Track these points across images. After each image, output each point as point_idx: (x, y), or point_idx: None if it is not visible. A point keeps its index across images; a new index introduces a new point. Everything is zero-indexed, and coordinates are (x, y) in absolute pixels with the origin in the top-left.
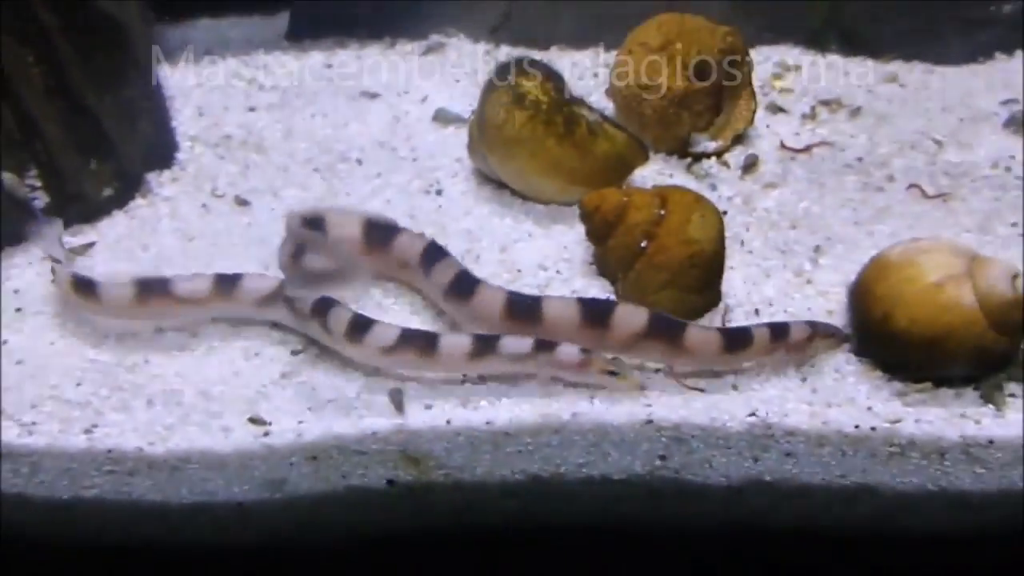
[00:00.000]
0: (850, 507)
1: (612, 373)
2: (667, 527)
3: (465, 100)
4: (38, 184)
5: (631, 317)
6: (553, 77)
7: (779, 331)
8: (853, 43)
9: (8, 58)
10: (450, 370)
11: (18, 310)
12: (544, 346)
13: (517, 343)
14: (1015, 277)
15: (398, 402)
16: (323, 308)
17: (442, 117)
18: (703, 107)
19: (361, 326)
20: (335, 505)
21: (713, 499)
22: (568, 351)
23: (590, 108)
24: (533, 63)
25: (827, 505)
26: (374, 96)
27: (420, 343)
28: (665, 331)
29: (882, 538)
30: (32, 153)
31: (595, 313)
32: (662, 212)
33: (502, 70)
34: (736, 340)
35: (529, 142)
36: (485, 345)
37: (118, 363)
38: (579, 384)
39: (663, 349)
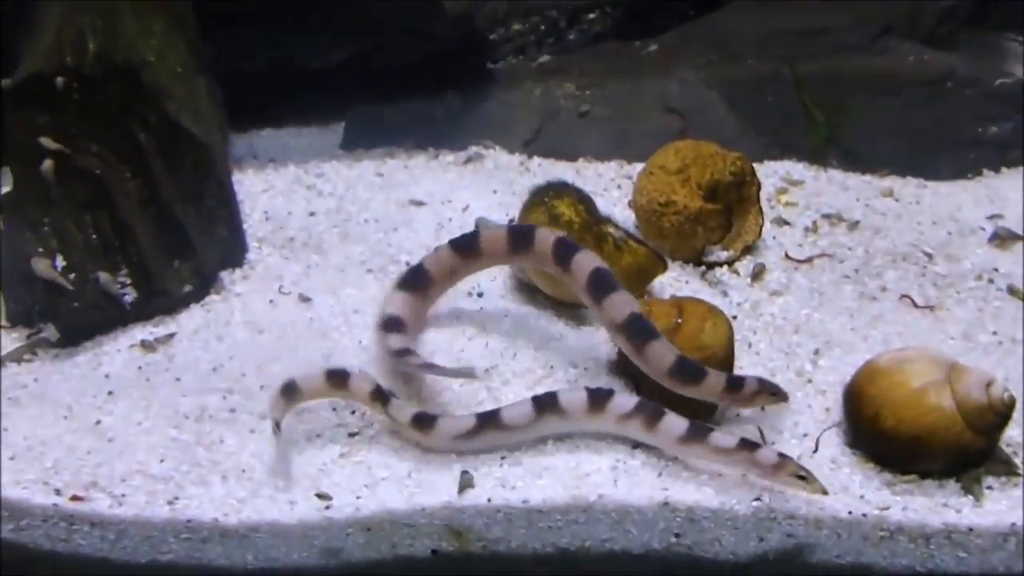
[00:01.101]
0: None
1: (801, 478)
2: None
3: (501, 209)
4: (128, 282)
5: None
6: (584, 199)
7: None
8: (852, 159)
9: (110, 174)
10: (663, 448)
11: (110, 393)
12: (747, 445)
13: (723, 439)
14: (988, 384)
15: (467, 482)
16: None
17: (482, 224)
18: (715, 224)
19: (602, 398)
20: (384, 572)
21: (723, 573)
22: (767, 454)
23: (616, 226)
24: (566, 186)
25: None
26: (420, 204)
27: (646, 416)
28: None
29: None
30: (125, 255)
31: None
32: (679, 320)
33: (540, 191)
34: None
35: None
36: (697, 432)
37: (197, 441)
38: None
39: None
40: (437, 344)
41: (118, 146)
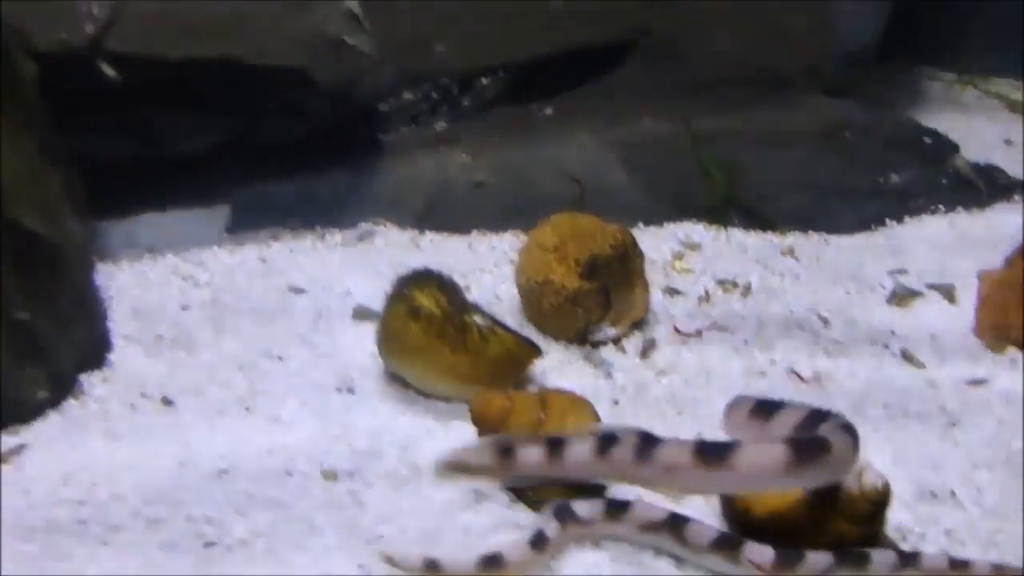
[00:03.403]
0: None
1: None
2: None
3: (385, 295)
4: None
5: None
6: (447, 288)
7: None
8: (753, 217)
9: None
10: None
11: None
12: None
13: (934, 558)
14: (861, 473)
15: None
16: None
17: (360, 313)
18: (594, 303)
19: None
20: None
21: None
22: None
23: (482, 314)
24: (429, 275)
25: None
26: (300, 291)
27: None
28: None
29: None
30: None
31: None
32: (542, 415)
33: (401, 283)
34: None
35: (425, 351)
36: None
37: (44, 554)
38: None
39: None
40: (300, 447)
41: None
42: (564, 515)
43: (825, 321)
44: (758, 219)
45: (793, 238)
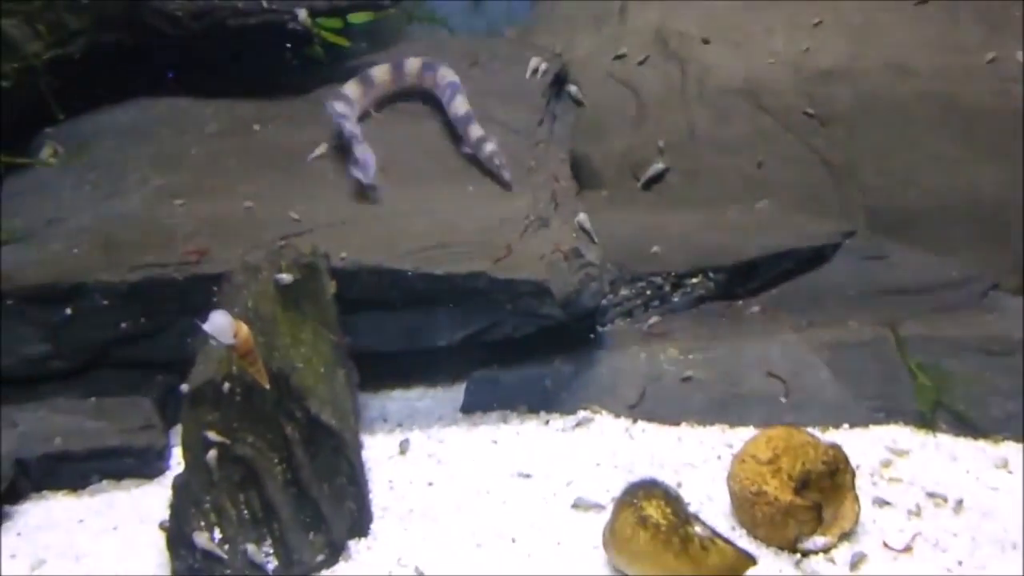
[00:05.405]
0: None
1: None
2: None
3: (602, 485)
4: (271, 551)
5: None
6: (672, 499)
7: None
8: (963, 423)
9: (260, 460)
10: None
11: None
12: None
13: None
14: None
15: None
16: None
17: (581, 505)
18: (806, 516)
19: None
20: None
21: None
22: None
23: (703, 524)
24: (656, 485)
25: None
26: (527, 476)
27: None
28: None
29: None
30: (270, 529)
31: None
32: None
33: (630, 491)
34: None
35: (651, 555)
36: None
37: None
38: None
39: None
40: None
41: (269, 437)
42: None
43: None
44: (968, 425)
45: (1006, 447)
